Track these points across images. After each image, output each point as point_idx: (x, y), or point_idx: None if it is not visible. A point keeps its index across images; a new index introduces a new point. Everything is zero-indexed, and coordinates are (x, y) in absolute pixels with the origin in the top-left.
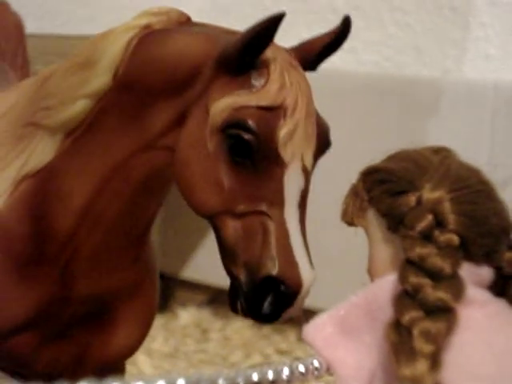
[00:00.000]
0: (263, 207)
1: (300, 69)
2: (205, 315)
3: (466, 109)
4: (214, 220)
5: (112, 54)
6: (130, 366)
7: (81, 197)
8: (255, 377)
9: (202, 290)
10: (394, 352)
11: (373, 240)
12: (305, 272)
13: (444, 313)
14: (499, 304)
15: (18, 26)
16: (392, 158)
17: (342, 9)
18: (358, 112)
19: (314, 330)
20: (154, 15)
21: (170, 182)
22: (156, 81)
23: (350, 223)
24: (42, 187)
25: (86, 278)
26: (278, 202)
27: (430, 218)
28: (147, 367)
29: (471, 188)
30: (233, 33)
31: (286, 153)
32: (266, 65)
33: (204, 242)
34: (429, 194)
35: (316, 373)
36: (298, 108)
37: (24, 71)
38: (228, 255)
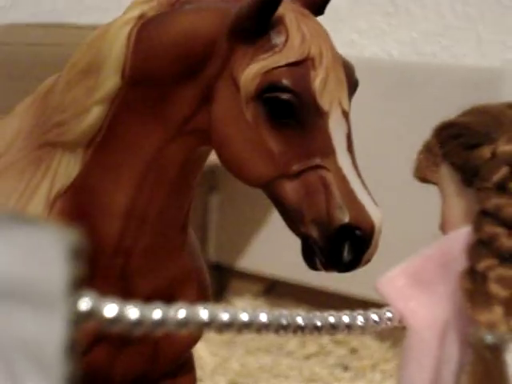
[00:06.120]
0: (317, 160)
1: (312, 16)
2: (260, 305)
3: None
4: (270, 187)
5: (114, 53)
6: None
7: (120, 201)
8: (331, 319)
9: (257, 280)
10: (469, 299)
11: (446, 195)
12: (373, 211)
13: None
14: None
15: None
16: (466, 112)
17: (400, 0)
18: (415, 103)
19: (387, 281)
20: (144, 3)
21: (204, 162)
22: (168, 67)
23: (423, 179)
24: (77, 202)
25: (144, 277)
26: (329, 151)
27: (505, 169)
28: (205, 353)
29: None
30: (232, 1)
31: (325, 101)
32: (280, 21)
33: (260, 232)
34: (504, 145)
35: (389, 323)
36: (324, 55)
37: None
38: (294, 217)
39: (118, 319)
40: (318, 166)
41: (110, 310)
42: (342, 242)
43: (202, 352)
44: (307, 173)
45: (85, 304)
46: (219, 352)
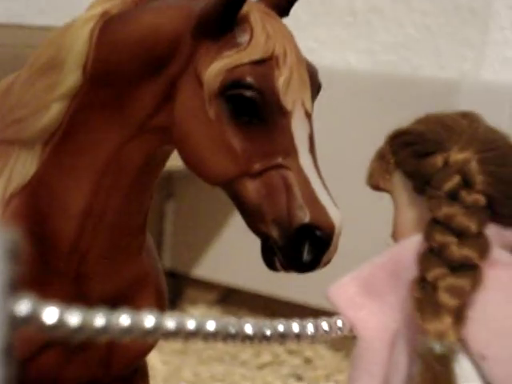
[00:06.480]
0: (279, 160)
1: (277, 16)
2: (215, 314)
3: (484, 111)
4: (231, 186)
5: (76, 49)
6: None
7: (78, 200)
8: (281, 328)
9: (212, 288)
10: (419, 308)
11: (398, 203)
12: (333, 212)
13: (469, 270)
14: None
15: None
16: (419, 121)
17: (360, 10)
18: (373, 113)
19: (338, 290)
20: (108, 1)
21: (164, 163)
22: (131, 64)
23: (376, 187)
24: (33, 200)
25: (99, 278)
26: (291, 151)
27: (457, 178)
28: (157, 362)
29: (499, 150)
30: None
31: (288, 101)
32: (245, 19)
33: (215, 240)
34: (456, 154)
35: (339, 332)
36: (288, 55)
37: None
38: (254, 216)
39: (59, 325)
40: (280, 166)
41: (50, 314)
42: (302, 242)
43: (154, 360)
44: (269, 172)
45: (23, 307)
46: (171, 361)
